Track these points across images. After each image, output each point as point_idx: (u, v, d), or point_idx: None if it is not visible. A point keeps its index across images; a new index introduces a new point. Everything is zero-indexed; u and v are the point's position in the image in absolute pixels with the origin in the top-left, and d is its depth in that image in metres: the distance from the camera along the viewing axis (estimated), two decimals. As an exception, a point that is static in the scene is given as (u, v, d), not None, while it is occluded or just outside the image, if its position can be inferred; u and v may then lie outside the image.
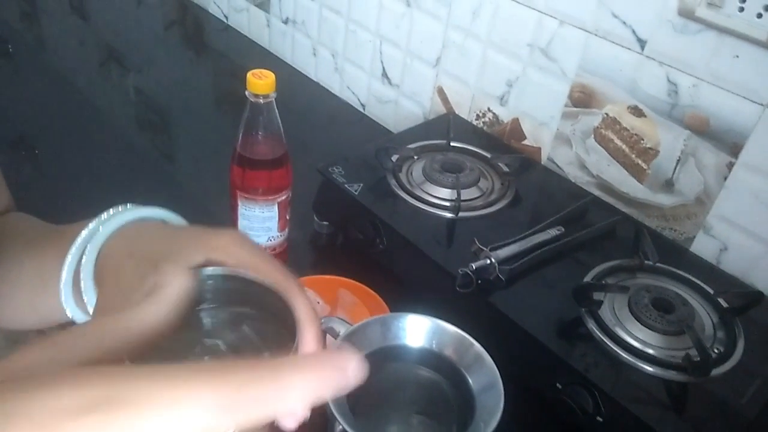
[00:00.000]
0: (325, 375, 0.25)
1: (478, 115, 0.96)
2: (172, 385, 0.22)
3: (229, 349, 0.39)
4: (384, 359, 0.53)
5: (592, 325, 0.62)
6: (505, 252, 0.67)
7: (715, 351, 0.61)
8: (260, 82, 0.65)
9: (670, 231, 0.79)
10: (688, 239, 0.77)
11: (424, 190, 0.77)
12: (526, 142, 0.91)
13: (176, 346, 0.36)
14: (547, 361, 0.60)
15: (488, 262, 0.65)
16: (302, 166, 0.75)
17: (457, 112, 0.98)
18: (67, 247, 0.39)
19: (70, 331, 0.29)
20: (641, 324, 0.62)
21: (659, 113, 0.75)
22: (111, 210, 0.41)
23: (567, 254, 0.70)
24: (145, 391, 0.22)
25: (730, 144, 0.70)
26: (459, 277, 0.64)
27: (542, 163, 0.90)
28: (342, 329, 0.53)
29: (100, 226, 0.39)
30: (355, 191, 0.75)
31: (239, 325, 0.39)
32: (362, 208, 0.74)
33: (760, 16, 0.63)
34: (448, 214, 0.74)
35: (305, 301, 0.36)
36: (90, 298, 0.39)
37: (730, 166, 0.71)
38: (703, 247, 0.76)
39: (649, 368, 0.58)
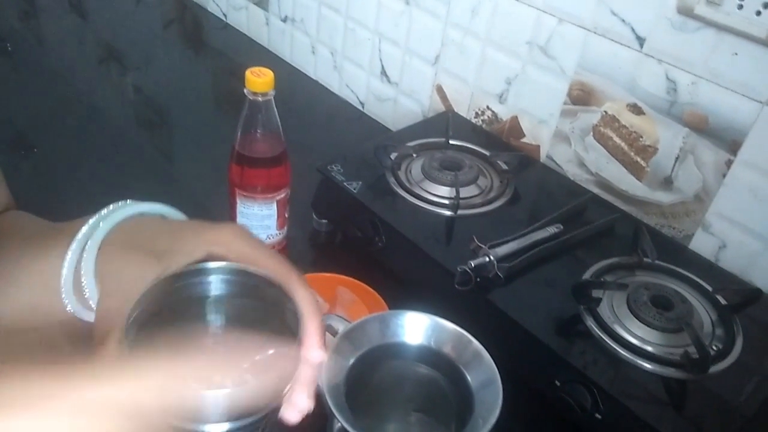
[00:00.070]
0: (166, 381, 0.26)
1: (477, 113, 0.96)
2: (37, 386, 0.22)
3: (232, 342, 0.39)
4: (383, 357, 0.53)
5: (590, 323, 0.62)
6: (503, 250, 0.67)
7: (714, 348, 0.61)
8: (259, 80, 0.65)
9: (669, 228, 0.79)
10: (687, 237, 0.77)
11: (423, 188, 0.77)
12: (525, 140, 0.91)
13: (180, 339, 0.37)
14: (546, 358, 0.60)
15: (487, 259, 0.65)
16: (301, 165, 0.75)
17: (456, 110, 0.98)
18: (67, 243, 0.39)
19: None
20: (640, 321, 0.62)
21: (658, 111, 0.75)
22: (111, 205, 0.41)
23: (566, 252, 0.70)
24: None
25: (729, 141, 0.70)
26: (458, 274, 0.64)
27: (541, 160, 0.90)
28: (341, 327, 0.53)
29: (101, 222, 0.39)
30: (354, 189, 0.75)
31: (242, 318, 0.39)
32: (361, 206, 0.74)
33: (759, 13, 0.63)
34: (447, 212, 0.74)
35: (307, 293, 0.36)
36: (91, 293, 0.39)
37: (729, 163, 0.71)
38: (701, 244, 0.76)
39: (647, 365, 0.58)
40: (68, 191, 0.86)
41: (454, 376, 0.52)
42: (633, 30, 0.74)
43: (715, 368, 0.58)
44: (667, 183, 0.77)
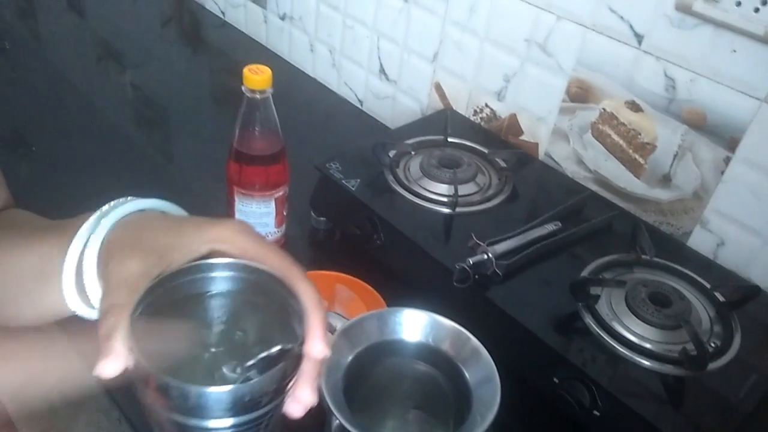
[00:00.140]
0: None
1: (475, 111, 0.96)
2: None
3: (236, 336, 0.39)
4: (381, 354, 0.53)
5: (589, 320, 0.62)
6: (502, 247, 0.67)
7: (712, 345, 0.61)
8: (256, 78, 0.65)
9: (667, 226, 0.79)
10: (685, 234, 0.77)
11: (421, 186, 0.77)
12: (523, 137, 0.91)
13: (184, 333, 0.37)
14: (545, 355, 0.60)
15: (485, 257, 0.65)
16: (299, 162, 0.75)
17: (454, 108, 0.98)
18: (68, 240, 0.39)
19: None
20: (638, 318, 0.62)
21: (656, 108, 0.75)
22: (112, 202, 0.41)
23: (564, 249, 0.70)
24: None
25: (728, 139, 0.70)
26: (456, 272, 0.64)
27: (539, 158, 0.90)
28: (339, 324, 0.53)
29: (102, 219, 0.39)
30: (353, 187, 0.75)
31: (245, 313, 0.39)
32: (359, 203, 0.74)
33: (757, 10, 0.63)
34: (446, 210, 0.74)
35: (310, 289, 0.37)
36: (93, 290, 0.39)
37: (727, 160, 0.71)
38: (700, 241, 0.76)
39: (646, 362, 0.58)
40: (66, 189, 0.86)
41: (452, 373, 0.52)
42: (631, 27, 0.74)
43: (713, 365, 0.58)
44: (666, 180, 0.77)
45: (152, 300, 0.35)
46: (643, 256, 0.68)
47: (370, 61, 1.08)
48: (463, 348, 0.52)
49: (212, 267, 0.37)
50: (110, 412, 0.66)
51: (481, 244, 0.67)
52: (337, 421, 0.46)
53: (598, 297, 0.63)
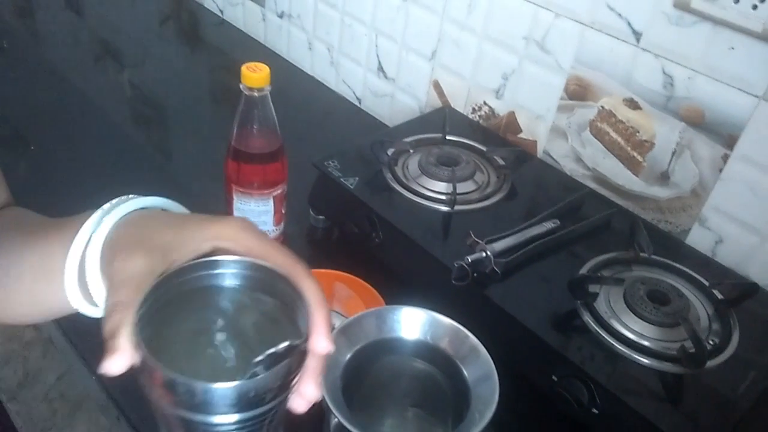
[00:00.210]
0: None
1: (473, 109, 0.96)
2: None
3: (240, 332, 0.39)
4: (379, 352, 0.53)
5: (587, 318, 0.62)
6: (500, 245, 0.67)
7: (711, 343, 0.61)
8: (254, 75, 0.64)
9: (666, 223, 0.79)
10: (684, 231, 0.77)
11: (419, 184, 0.77)
12: (521, 135, 0.91)
13: (191, 328, 0.37)
14: (543, 353, 0.60)
15: (484, 255, 0.65)
16: (298, 161, 0.75)
17: (452, 106, 0.98)
18: (70, 238, 0.39)
19: None
20: (637, 316, 0.62)
21: (655, 105, 0.75)
22: (114, 200, 0.41)
23: (563, 247, 0.70)
24: None
25: (726, 136, 0.70)
26: (455, 270, 0.64)
27: (538, 156, 0.90)
28: (338, 322, 0.53)
29: (104, 217, 0.39)
30: (351, 185, 0.75)
31: (249, 310, 0.39)
32: (358, 201, 0.74)
33: (755, 7, 0.63)
34: (444, 208, 0.74)
35: (314, 285, 0.37)
36: (96, 288, 0.39)
37: (726, 158, 0.71)
38: (698, 239, 0.76)
39: (644, 360, 0.58)
40: (65, 188, 0.86)
41: (450, 371, 0.52)
42: (629, 24, 0.74)
43: (711, 363, 0.58)
44: (664, 178, 0.77)
45: (157, 297, 0.35)
46: (642, 254, 0.68)
47: (369, 59, 1.07)
48: (461, 346, 0.52)
49: (216, 264, 0.37)
50: (109, 411, 0.66)
51: (480, 241, 0.67)
52: (336, 419, 0.46)
53: (596, 295, 0.63)
